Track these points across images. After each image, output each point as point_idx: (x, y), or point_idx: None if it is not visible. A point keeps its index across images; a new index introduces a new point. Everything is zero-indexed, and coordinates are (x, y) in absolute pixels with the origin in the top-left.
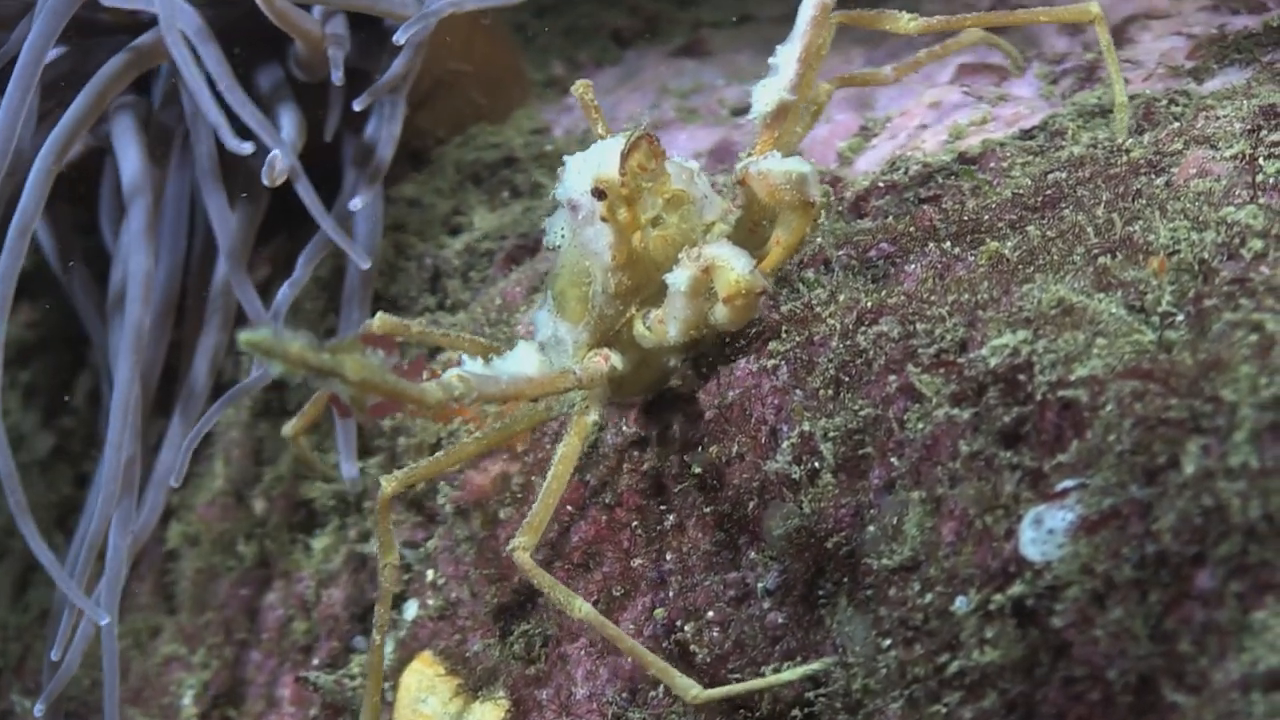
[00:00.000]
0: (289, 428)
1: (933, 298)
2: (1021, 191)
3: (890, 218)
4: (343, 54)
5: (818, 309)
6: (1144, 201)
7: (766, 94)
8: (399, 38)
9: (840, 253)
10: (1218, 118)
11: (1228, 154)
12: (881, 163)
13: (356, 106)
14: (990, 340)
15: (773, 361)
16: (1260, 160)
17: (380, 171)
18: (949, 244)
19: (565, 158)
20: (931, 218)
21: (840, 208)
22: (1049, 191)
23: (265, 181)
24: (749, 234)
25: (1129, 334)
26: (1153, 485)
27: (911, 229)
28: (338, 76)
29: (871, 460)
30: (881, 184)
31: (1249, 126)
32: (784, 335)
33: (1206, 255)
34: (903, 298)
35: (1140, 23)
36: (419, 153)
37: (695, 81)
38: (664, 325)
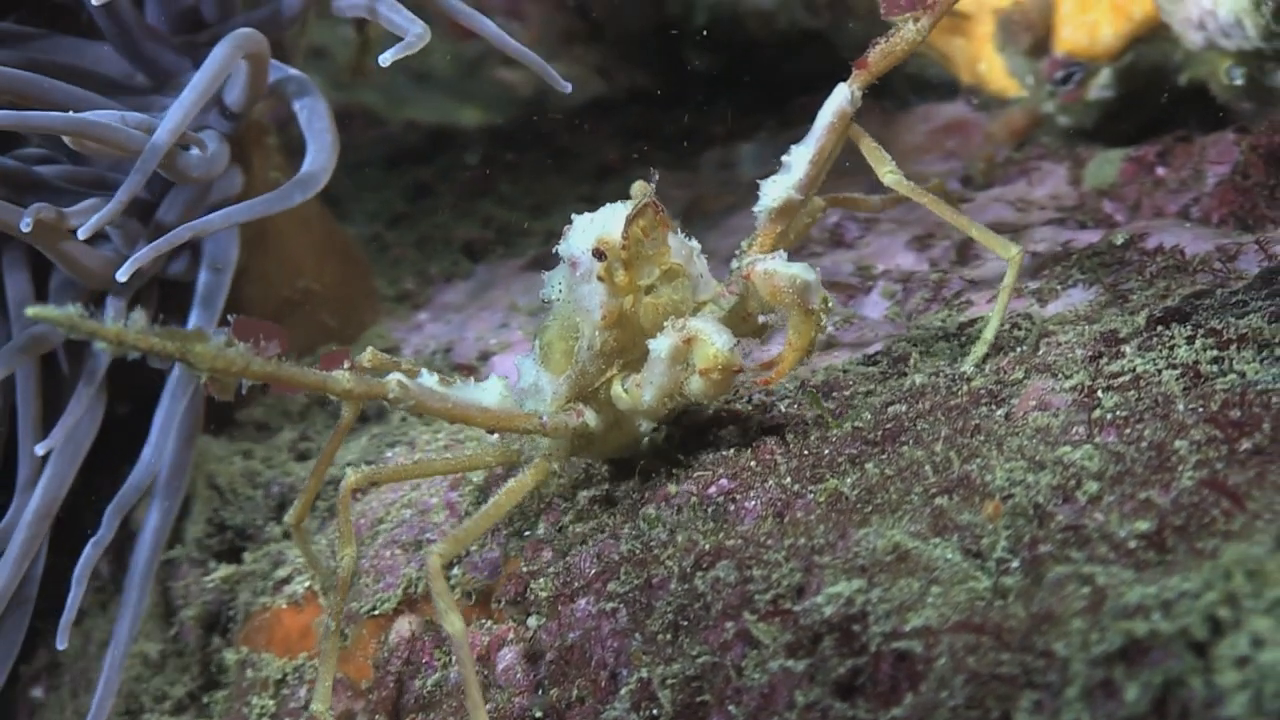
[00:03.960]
0: (290, 516)
1: (770, 541)
2: (862, 425)
3: (733, 450)
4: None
5: (656, 550)
6: (983, 438)
7: (775, 190)
8: (121, 275)
9: (680, 488)
10: (1059, 344)
11: (1068, 385)
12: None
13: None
14: (826, 588)
15: (612, 604)
16: (1099, 393)
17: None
18: (789, 480)
19: (574, 216)
20: (773, 450)
21: (681, 438)
22: (889, 425)
23: None
24: (740, 321)
25: (964, 580)
26: None
27: (752, 463)
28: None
29: (709, 708)
30: (724, 414)
31: (1090, 354)
32: (623, 576)
33: (1041, 499)
34: (740, 540)
35: None
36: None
37: None
38: (640, 390)
